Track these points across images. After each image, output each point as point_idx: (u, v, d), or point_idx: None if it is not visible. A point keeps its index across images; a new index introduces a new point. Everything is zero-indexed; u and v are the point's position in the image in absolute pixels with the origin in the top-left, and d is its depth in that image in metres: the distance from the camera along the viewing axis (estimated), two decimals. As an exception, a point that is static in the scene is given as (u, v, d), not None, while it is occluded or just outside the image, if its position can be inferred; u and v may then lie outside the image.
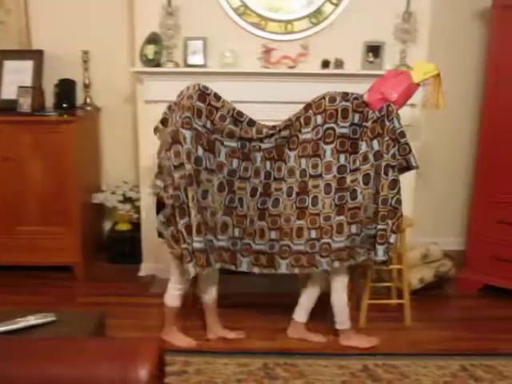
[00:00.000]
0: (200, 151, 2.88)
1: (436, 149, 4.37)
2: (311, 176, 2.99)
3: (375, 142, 2.98)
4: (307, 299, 3.23)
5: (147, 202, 3.97)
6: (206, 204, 2.92)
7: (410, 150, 3.01)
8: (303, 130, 3.02)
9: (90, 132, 4.29)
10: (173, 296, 3.18)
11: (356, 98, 3.01)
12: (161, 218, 3.02)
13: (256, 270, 3.08)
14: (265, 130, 3.05)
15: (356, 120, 2.98)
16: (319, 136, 2.99)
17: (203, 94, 2.94)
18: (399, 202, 2.99)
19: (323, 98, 3.01)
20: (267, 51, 3.70)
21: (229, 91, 3.67)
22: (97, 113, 4.36)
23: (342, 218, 2.93)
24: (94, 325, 2.31)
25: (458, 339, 3.29)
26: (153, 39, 3.71)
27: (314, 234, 2.96)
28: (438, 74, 3.08)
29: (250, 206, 3.04)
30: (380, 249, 2.99)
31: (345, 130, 2.97)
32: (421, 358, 3.06)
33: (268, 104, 3.73)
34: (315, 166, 2.99)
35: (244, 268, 3.07)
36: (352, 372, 2.92)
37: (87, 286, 3.98)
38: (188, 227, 2.83)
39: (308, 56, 3.73)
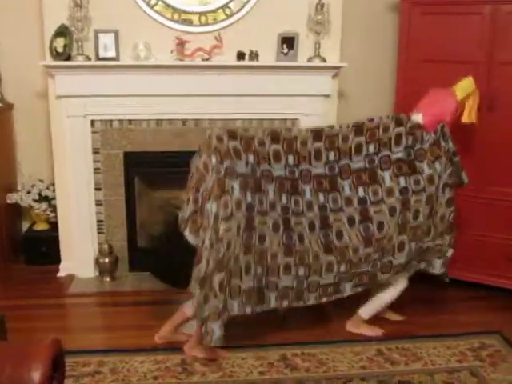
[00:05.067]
0: (249, 197, 2.77)
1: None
2: (372, 203, 2.99)
3: (437, 164, 3.02)
4: (378, 300, 3.26)
5: (63, 201, 3.87)
6: (264, 248, 2.84)
7: (462, 168, 3.13)
8: (354, 159, 3.01)
9: (2, 129, 4.12)
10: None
11: (408, 121, 3.05)
12: (196, 273, 2.79)
13: (325, 299, 3.05)
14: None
15: (410, 143, 3.02)
16: (375, 164, 3.01)
17: (231, 131, 2.88)
18: (454, 218, 3.09)
19: (377, 127, 3.01)
20: (181, 43, 3.65)
21: (143, 85, 3.67)
22: (9, 109, 4.19)
23: (404, 237, 3.00)
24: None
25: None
26: (62, 32, 3.59)
27: (376, 255, 3.01)
28: (475, 90, 3.18)
29: (311, 240, 2.95)
30: (438, 262, 3.14)
31: (400, 155, 3.01)
32: (339, 345, 3.09)
33: (183, 97, 3.70)
34: (375, 193, 3.00)
35: (312, 301, 3.03)
36: (270, 362, 2.93)
37: (4, 288, 3.82)
38: (222, 284, 2.72)
39: (223, 48, 3.70)
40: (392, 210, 2.98)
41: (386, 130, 3.01)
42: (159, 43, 3.67)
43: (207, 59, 3.68)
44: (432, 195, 3.02)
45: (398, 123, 3.03)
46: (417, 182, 3.00)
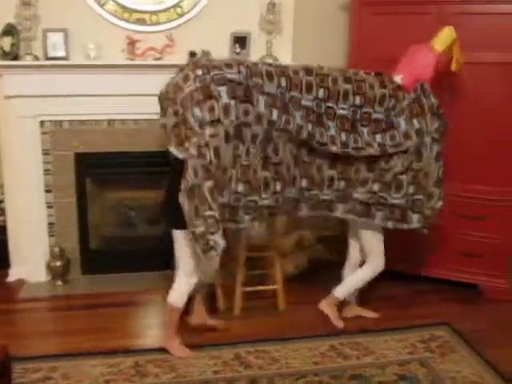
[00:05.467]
0: (275, 114, 2.80)
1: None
2: (353, 148, 3.00)
3: (415, 121, 3.04)
4: (352, 280, 3.32)
5: (12, 203, 3.79)
6: (279, 159, 2.90)
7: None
8: (340, 105, 3.00)
9: None
10: (181, 294, 2.94)
11: (392, 83, 3.07)
12: (184, 185, 2.69)
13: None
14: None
15: (391, 105, 3.04)
16: (357, 117, 3.01)
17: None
18: (443, 172, 3.14)
19: (363, 80, 3.03)
20: (131, 43, 3.62)
21: (93, 85, 3.62)
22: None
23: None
24: None
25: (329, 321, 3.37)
26: (9, 31, 3.52)
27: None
28: (456, 38, 3.16)
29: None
30: (414, 217, 3.14)
31: (380, 116, 3.03)
32: (292, 342, 3.11)
33: (135, 97, 3.66)
34: (355, 141, 3.01)
35: (339, 213, 3.16)
36: (224, 361, 2.92)
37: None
38: (212, 192, 2.65)
39: (174, 47, 3.69)
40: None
41: (371, 87, 3.04)
42: (110, 42, 3.63)
43: (159, 59, 3.66)
44: (409, 150, 3.04)
45: (382, 85, 3.06)
46: (392, 137, 3.04)
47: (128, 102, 3.67)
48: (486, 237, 3.67)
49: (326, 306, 3.30)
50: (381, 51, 3.68)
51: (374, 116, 3.03)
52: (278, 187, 2.94)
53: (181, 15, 3.71)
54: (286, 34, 3.86)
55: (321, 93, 2.95)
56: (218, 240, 2.65)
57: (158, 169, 3.81)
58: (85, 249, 3.94)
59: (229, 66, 2.76)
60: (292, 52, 3.90)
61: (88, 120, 3.75)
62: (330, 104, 2.97)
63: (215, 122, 2.65)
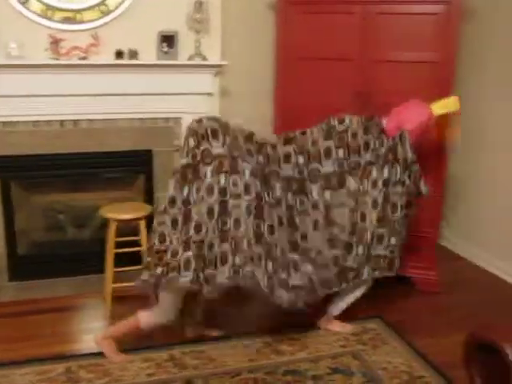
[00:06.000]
0: (258, 186, 2.79)
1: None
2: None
3: (386, 170, 3.00)
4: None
5: None
6: (274, 240, 2.82)
7: (421, 177, 3.07)
8: (324, 163, 2.99)
9: None
10: (152, 322, 2.90)
11: (377, 125, 3.03)
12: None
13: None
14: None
15: (377, 145, 3.02)
16: (344, 169, 2.99)
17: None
18: (401, 223, 3.08)
19: (346, 131, 3.00)
20: (55, 42, 3.52)
21: (16, 85, 3.51)
22: None
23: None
24: None
25: (265, 318, 3.38)
26: None
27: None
28: (458, 111, 3.14)
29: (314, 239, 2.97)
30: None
31: (368, 158, 3.01)
32: (226, 341, 3.11)
33: (60, 97, 3.57)
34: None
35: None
36: (158, 363, 2.90)
37: None
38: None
39: (100, 46, 3.61)
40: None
41: (354, 136, 3.02)
42: (33, 41, 3.50)
43: (84, 58, 3.58)
44: (377, 200, 3.01)
45: (366, 132, 3.03)
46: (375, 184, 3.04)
47: (53, 103, 3.57)
48: (417, 230, 3.74)
49: (327, 325, 3.28)
50: (307, 50, 3.75)
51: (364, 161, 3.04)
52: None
53: (106, 13, 3.64)
54: (214, 33, 3.85)
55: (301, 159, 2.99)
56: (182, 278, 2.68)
57: (85, 170, 3.75)
58: (12, 254, 3.81)
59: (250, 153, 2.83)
60: (221, 51, 3.89)
61: (11, 122, 3.62)
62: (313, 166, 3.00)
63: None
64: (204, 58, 3.79)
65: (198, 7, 3.74)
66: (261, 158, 2.89)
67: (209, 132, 2.76)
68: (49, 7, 3.56)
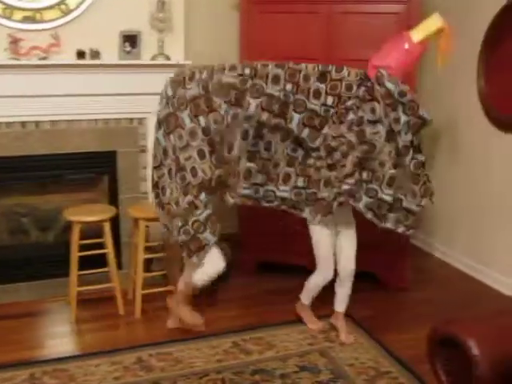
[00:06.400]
0: (265, 116, 2.89)
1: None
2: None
3: (361, 110, 2.88)
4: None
5: None
6: (269, 156, 2.99)
7: (418, 106, 2.84)
8: (311, 101, 2.94)
9: None
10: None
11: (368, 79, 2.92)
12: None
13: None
14: None
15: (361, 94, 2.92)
16: (329, 116, 2.95)
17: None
18: (416, 167, 2.97)
19: (340, 80, 2.93)
20: (14, 41, 3.45)
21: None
22: None
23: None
24: None
25: (234, 318, 3.40)
26: None
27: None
28: (443, 28, 2.81)
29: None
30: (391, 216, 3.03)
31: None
32: (194, 342, 3.10)
33: (21, 98, 3.51)
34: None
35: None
36: (125, 366, 2.87)
37: None
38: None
39: (61, 46, 3.55)
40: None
41: (349, 89, 2.92)
42: (-9, 41, 3.44)
43: (44, 58, 3.51)
44: (349, 142, 2.89)
45: (360, 84, 2.93)
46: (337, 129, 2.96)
47: (14, 104, 3.50)
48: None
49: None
50: (272, 50, 3.72)
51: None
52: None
53: (66, 13, 3.58)
54: (177, 33, 3.82)
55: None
56: (208, 236, 2.95)
57: (48, 172, 3.69)
58: (-26, 259, 3.73)
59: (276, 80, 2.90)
60: (184, 50, 3.87)
61: (-30, 124, 3.55)
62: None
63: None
64: (167, 58, 3.76)
65: (161, 6, 3.71)
66: (247, 71, 2.92)
67: (186, 77, 2.93)
68: (8, 6, 3.48)
